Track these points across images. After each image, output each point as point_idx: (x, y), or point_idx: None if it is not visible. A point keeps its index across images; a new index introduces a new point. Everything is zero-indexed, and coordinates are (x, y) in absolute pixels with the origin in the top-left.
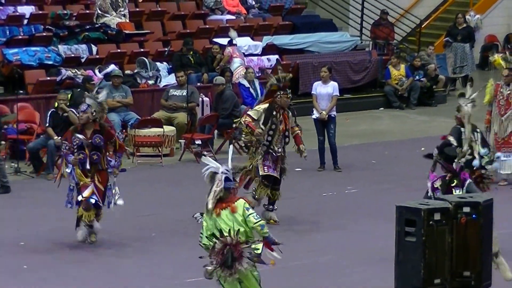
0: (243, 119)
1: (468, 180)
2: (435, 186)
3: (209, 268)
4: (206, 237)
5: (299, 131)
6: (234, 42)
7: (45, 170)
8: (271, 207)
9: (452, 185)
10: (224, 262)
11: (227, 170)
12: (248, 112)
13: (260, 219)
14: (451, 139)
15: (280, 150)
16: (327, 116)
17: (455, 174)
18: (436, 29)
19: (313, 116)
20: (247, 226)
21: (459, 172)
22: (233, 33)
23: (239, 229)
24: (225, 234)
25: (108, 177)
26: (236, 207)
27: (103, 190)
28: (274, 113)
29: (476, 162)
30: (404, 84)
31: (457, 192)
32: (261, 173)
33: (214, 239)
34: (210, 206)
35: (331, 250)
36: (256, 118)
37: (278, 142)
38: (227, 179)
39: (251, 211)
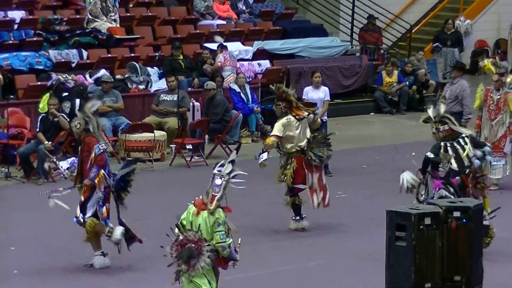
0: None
1: (440, 192)
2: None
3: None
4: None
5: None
6: (224, 43)
7: (36, 175)
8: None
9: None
10: (182, 256)
11: (227, 178)
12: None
13: (224, 240)
14: (429, 154)
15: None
16: (318, 120)
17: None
18: (426, 35)
19: None
20: (213, 239)
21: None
22: (218, 38)
23: (200, 226)
24: (194, 229)
25: (90, 190)
26: (205, 214)
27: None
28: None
29: (477, 162)
30: (394, 87)
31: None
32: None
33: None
34: (212, 207)
35: (322, 255)
36: (281, 135)
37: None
38: (225, 188)
39: (220, 228)
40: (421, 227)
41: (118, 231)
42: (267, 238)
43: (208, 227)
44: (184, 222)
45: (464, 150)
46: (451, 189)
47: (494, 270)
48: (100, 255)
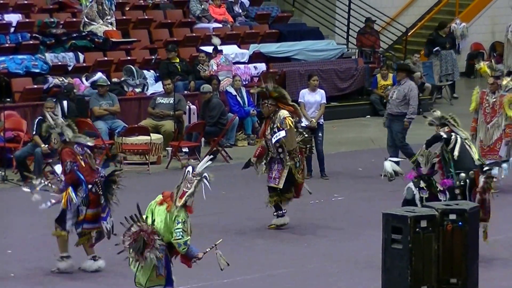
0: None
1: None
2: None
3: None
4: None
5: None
6: (219, 48)
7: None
8: (274, 213)
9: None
10: (135, 246)
11: (198, 177)
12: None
13: (180, 237)
14: (442, 132)
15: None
16: (316, 124)
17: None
18: (421, 37)
19: (302, 124)
20: (171, 236)
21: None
22: (215, 40)
23: (154, 220)
24: (149, 222)
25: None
26: (173, 211)
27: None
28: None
29: (494, 171)
30: (388, 90)
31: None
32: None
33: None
34: (181, 203)
35: (318, 257)
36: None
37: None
38: (196, 187)
39: (179, 226)
40: (417, 229)
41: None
42: (264, 241)
43: (167, 221)
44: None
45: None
46: (422, 184)
47: (490, 272)
48: (91, 259)
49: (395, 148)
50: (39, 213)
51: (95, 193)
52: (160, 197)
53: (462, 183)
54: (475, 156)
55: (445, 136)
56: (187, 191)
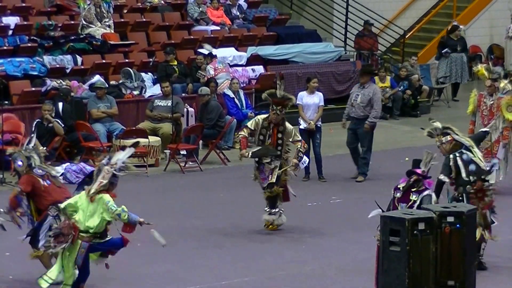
0: (240, 133)
1: (428, 191)
2: (398, 186)
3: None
4: (66, 207)
5: (300, 146)
6: (213, 53)
7: None
8: (268, 209)
9: (413, 189)
10: (56, 234)
11: (115, 167)
12: (247, 124)
13: (116, 209)
14: (441, 177)
15: (271, 162)
16: (314, 126)
17: (420, 178)
18: (419, 40)
19: (300, 126)
20: (107, 216)
21: (425, 177)
22: (207, 46)
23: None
24: (74, 216)
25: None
26: (98, 198)
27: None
28: (267, 126)
29: (495, 161)
30: (387, 93)
31: (413, 197)
32: (262, 187)
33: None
34: (92, 191)
35: (316, 260)
36: (253, 128)
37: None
38: (114, 175)
39: (110, 204)
40: (415, 232)
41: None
42: (261, 244)
43: (92, 210)
44: (68, 207)
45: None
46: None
47: (488, 275)
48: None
49: (356, 147)
50: None
51: None
52: (84, 195)
53: (460, 197)
54: (481, 163)
55: (446, 179)
56: (102, 181)
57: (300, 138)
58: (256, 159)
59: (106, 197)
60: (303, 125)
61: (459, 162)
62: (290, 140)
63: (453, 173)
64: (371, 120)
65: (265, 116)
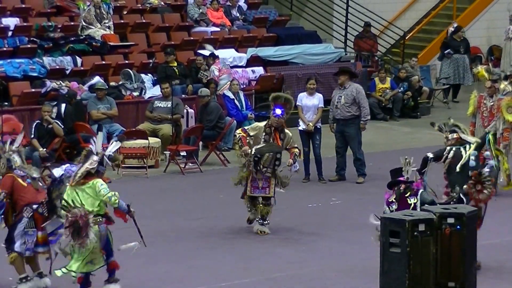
0: (238, 132)
1: (421, 190)
2: (390, 200)
3: (65, 248)
4: (65, 200)
5: (296, 151)
6: (216, 53)
7: None
8: (261, 221)
9: (406, 195)
10: (74, 231)
11: (104, 156)
12: (245, 127)
13: (108, 192)
14: (429, 154)
15: (269, 170)
16: (313, 127)
17: (408, 185)
18: (419, 41)
19: (300, 128)
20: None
21: (411, 181)
22: (208, 47)
23: (82, 202)
24: (77, 205)
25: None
26: (91, 183)
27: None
28: (268, 131)
29: (492, 162)
30: (387, 94)
31: (412, 200)
32: (248, 193)
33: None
34: (78, 175)
35: (316, 261)
36: (251, 134)
37: (267, 161)
38: (100, 163)
39: (102, 186)
40: (415, 233)
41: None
42: (261, 245)
43: (90, 195)
44: (67, 200)
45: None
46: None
47: (487, 276)
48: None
49: (344, 151)
50: None
51: (41, 214)
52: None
53: (456, 195)
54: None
55: (431, 156)
56: (89, 167)
57: (296, 145)
58: (253, 163)
59: (99, 181)
60: (302, 126)
61: (463, 153)
62: (287, 147)
63: (444, 166)
64: (365, 119)
65: (264, 122)
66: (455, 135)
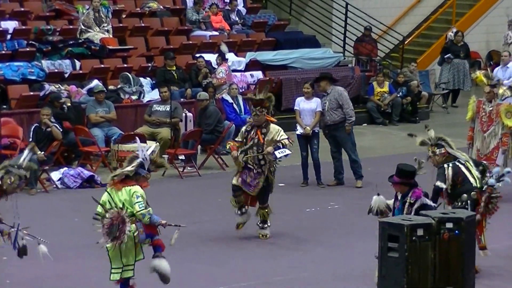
0: (229, 143)
1: (423, 199)
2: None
3: (107, 244)
4: (101, 205)
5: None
6: (226, 57)
7: (28, 185)
8: (261, 224)
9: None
10: (111, 232)
11: (145, 159)
12: (236, 138)
13: (142, 208)
14: (438, 183)
15: (256, 167)
16: (311, 131)
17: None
18: (418, 46)
19: (297, 132)
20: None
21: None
22: (224, 47)
23: (124, 205)
24: (116, 207)
25: None
26: (128, 191)
27: None
28: (249, 130)
29: (492, 181)
30: (386, 99)
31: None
32: (233, 182)
33: (105, 212)
34: (114, 174)
35: (313, 265)
36: (241, 139)
37: (252, 158)
38: (141, 165)
39: (139, 199)
40: (414, 238)
41: None
42: (259, 249)
43: (130, 198)
44: (105, 200)
45: (469, 170)
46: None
47: (487, 281)
48: None
49: (340, 155)
50: (34, 221)
51: None
52: (109, 188)
53: (464, 204)
54: (472, 180)
55: (443, 186)
56: (127, 169)
57: (286, 136)
58: (243, 164)
59: (137, 191)
60: (299, 130)
61: (463, 169)
62: (277, 139)
63: (447, 184)
64: (350, 121)
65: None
66: (442, 150)
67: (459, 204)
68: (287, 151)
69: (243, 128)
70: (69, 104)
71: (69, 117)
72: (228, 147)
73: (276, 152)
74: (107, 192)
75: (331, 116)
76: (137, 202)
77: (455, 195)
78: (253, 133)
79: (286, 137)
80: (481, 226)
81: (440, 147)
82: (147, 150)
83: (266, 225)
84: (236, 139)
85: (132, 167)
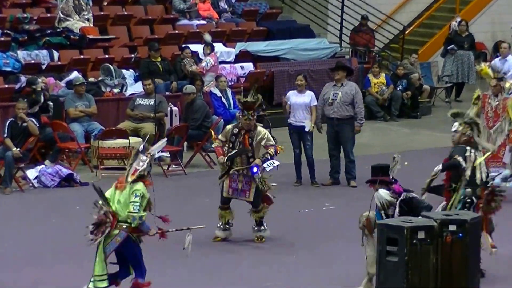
0: (214, 144)
1: (405, 194)
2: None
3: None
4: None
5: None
6: (212, 45)
7: (2, 184)
8: (257, 227)
9: None
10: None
11: (150, 155)
12: (219, 136)
13: (136, 211)
14: (460, 159)
15: (243, 171)
16: (313, 127)
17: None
18: (420, 36)
19: (289, 126)
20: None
21: (392, 183)
22: (207, 36)
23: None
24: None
25: None
26: (131, 187)
27: None
28: (236, 132)
29: (498, 181)
30: (384, 93)
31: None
32: (224, 194)
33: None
34: (129, 179)
35: (308, 270)
36: (224, 139)
37: (239, 163)
38: (150, 164)
39: (136, 199)
40: (414, 241)
41: None
42: (251, 253)
43: (127, 199)
44: (108, 196)
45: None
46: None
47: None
48: None
49: (339, 152)
50: (9, 220)
51: None
52: (114, 184)
53: (467, 199)
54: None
55: (464, 165)
56: (139, 168)
57: (273, 143)
58: (227, 167)
59: (139, 189)
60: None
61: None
62: (262, 144)
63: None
64: (362, 122)
65: (234, 124)
66: (470, 134)
67: (463, 198)
68: (276, 162)
69: (229, 128)
70: (47, 93)
71: (44, 107)
72: (213, 146)
73: (264, 165)
74: (112, 189)
75: (340, 110)
76: (133, 202)
77: (466, 185)
78: (241, 138)
79: (273, 143)
80: (486, 224)
81: (470, 130)
82: (159, 147)
83: (262, 227)
84: (220, 137)
85: (142, 166)
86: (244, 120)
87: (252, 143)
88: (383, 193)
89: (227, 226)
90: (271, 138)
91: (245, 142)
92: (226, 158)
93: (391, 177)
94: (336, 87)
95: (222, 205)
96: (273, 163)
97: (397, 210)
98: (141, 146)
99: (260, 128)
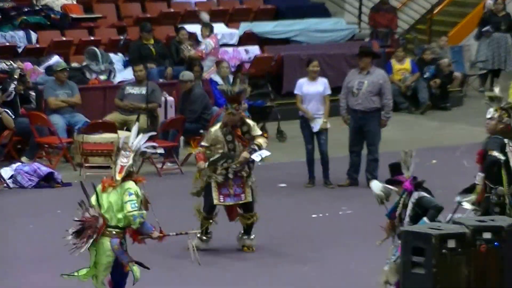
0: (195, 151)
1: (417, 193)
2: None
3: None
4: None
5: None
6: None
7: None
8: (246, 236)
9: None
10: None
11: (131, 149)
12: (202, 142)
13: (135, 209)
14: (496, 154)
15: (239, 173)
16: (326, 123)
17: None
18: (450, 16)
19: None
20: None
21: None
22: (204, 15)
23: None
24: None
25: None
26: (121, 186)
27: None
28: (225, 131)
29: None
30: (407, 80)
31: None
32: (214, 202)
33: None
34: (118, 178)
35: (321, 282)
36: (209, 144)
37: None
38: (135, 161)
39: (131, 197)
40: (444, 251)
41: None
42: (255, 262)
43: (118, 200)
44: (93, 202)
45: None
46: None
47: None
48: None
49: (361, 149)
50: None
51: None
52: (99, 186)
53: (500, 199)
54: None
55: (501, 157)
56: (125, 165)
57: (260, 132)
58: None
59: (131, 188)
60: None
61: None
62: (250, 134)
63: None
64: (388, 115)
65: (218, 125)
66: (508, 122)
67: (496, 198)
68: (266, 152)
69: (213, 131)
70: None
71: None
72: (194, 156)
73: (253, 157)
74: (96, 192)
75: (366, 102)
76: (129, 201)
77: (497, 178)
78: (228, 136)
79: (260, 133)
80: None
81: (508, 116)
82: (142, 141)
83: (252, 236)
84: (203, 143)
85: (126, 162)
86: (227, 114)
87: (250, 143)
88: (374, 186)
89: (209, 235)
90: (257, 128)
91: (237, 139)
92: (207, 163)
93: (407, 175)
94: (361, 75)
95: (207, 215)
96: (262, 153)
97: (408, 212)
98: (121, 142)
99: (247, 120)
